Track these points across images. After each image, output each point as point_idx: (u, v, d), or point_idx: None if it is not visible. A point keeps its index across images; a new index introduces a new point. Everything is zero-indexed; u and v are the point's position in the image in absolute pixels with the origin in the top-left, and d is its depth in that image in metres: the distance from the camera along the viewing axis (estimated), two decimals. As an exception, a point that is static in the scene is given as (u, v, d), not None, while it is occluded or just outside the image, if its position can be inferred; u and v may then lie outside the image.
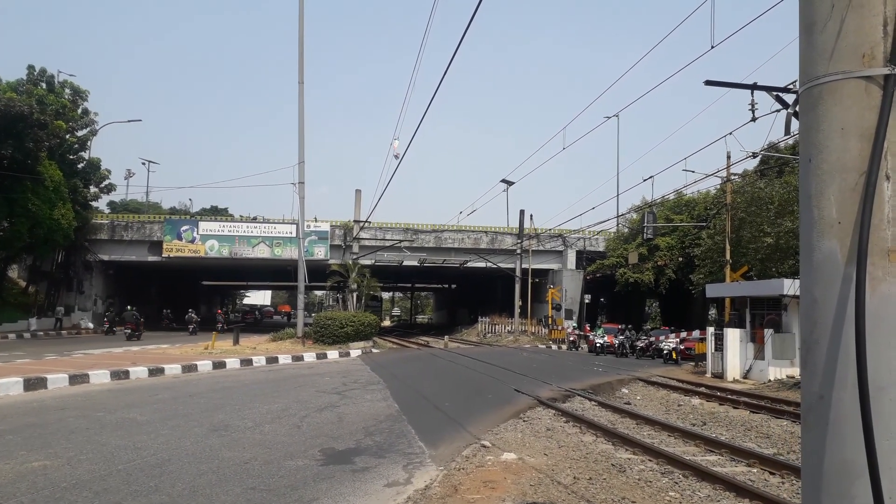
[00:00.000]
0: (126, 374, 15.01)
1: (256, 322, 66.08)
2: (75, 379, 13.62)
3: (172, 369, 16.35)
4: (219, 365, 18.20)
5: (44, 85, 36.76)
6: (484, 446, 8.62)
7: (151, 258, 42.43)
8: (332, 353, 24.05)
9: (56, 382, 13.10)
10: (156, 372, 15.79)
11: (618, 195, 58.44)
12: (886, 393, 1.82)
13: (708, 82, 14.07)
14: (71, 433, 8.49)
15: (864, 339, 1.81)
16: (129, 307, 33.31)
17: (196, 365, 17.35)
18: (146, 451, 7.57)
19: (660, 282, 37.54)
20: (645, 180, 42.52)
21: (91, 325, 39.65)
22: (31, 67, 36.72)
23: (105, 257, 42.15)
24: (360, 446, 8.30)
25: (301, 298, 28.80)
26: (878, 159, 1.86)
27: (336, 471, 6.99)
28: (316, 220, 42.84)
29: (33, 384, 12.60)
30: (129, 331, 30.46)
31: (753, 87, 12.98)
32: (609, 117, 38.55)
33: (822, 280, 1.96)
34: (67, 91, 38.45)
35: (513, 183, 44.40)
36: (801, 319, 2.08)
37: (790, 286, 17.69)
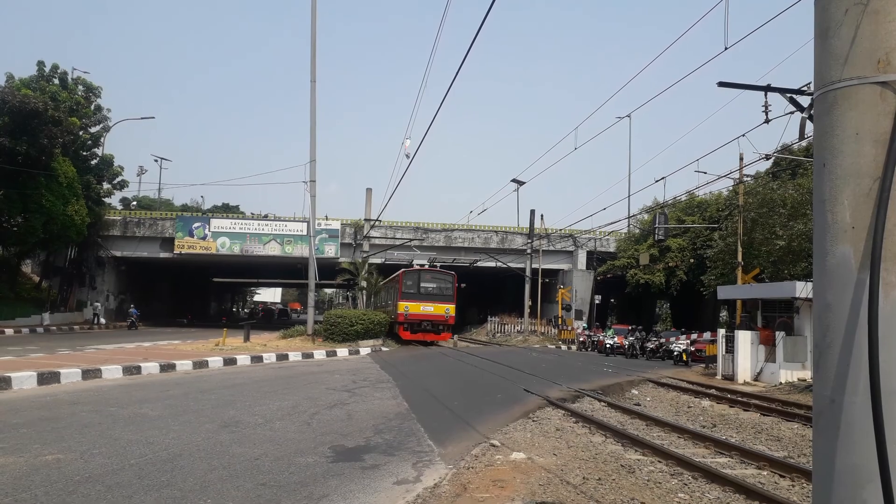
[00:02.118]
0: (138, 369, 15.13)
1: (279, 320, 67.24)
2: (88, 374, 13.75)
3: (183, 365, 16.47)
4: (229, 361, 18.31)
5: (56, 81, 36.85)
6: (493, 445, 8.63)
7: (163, 255, 42.75)
8: (342, 351, 24.13)
9: (69, 377, 13.23)
10: (167, 368, 15.90)
11: (629, 196, 58.50)
12: (898, 398, 1.83)
13: (721, 83, 13.99)
14: (84, 427, 8.57)
15: (876, 344, 1.81)
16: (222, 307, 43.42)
17: (207, 361, 17.47)
18: (158, 446, 7.64)
19: (671, 283, 37.40)
20: (657, 181, 42.34)
21: (103, 321, 39.95)
22: (40, 63, 36.44)
23: (117, 253, 42.50)
24: (369, 444, 8.34)
25: (311, 296, 28.90)
26: (892, 165, 1.86)
27: (346, 468, 7.03)
28: (327, 219, 42.99)
29: (47, 378, 12.73)
30: (224, 321, 40.44)
31: (767, 88, 12.89)
32: (621, 118, 38.59)
33: (835, 285, 1.97)
34: (81, 88, 38.62)
35: (524, 183, 44.37)
36: (814, 323, 2.08)
37: (802, 289, 17.59)
